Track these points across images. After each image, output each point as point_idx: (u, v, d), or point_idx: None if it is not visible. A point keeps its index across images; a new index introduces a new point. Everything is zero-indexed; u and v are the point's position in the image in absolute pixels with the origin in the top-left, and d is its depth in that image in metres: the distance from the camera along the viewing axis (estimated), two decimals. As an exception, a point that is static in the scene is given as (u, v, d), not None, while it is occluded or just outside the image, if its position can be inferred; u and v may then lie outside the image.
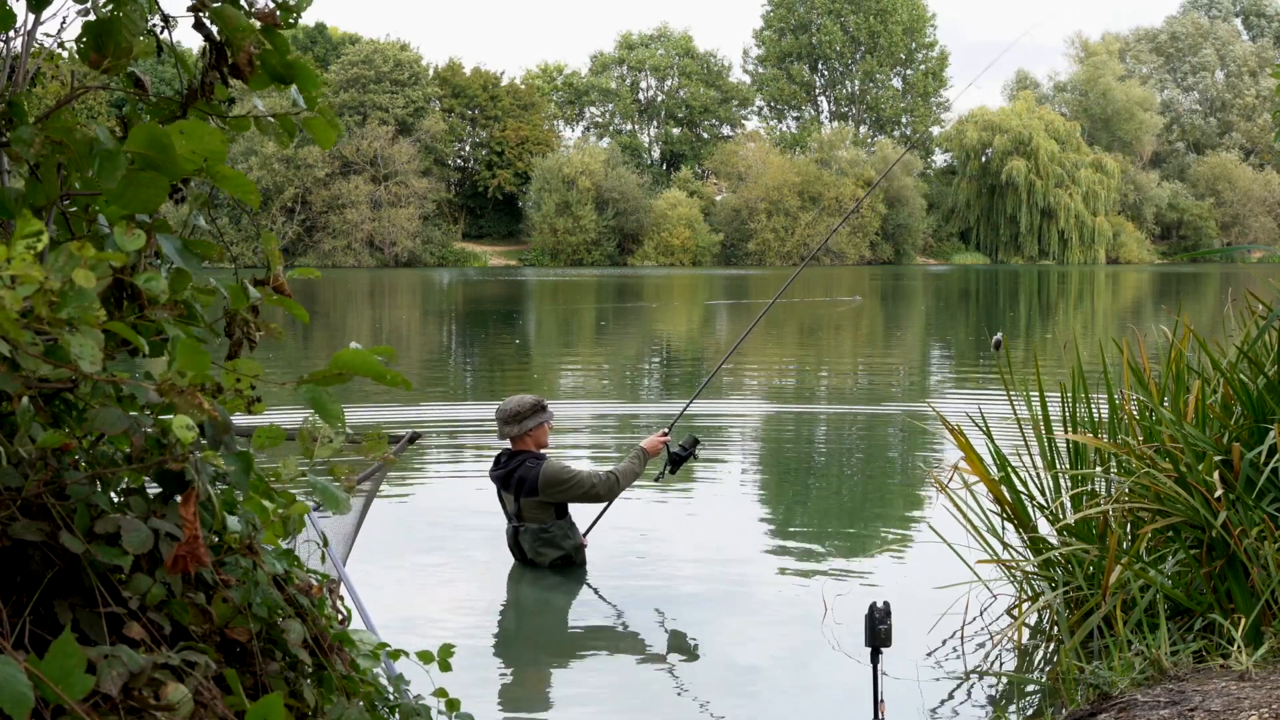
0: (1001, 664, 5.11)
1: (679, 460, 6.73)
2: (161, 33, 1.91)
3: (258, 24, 1.87)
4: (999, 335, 6.99)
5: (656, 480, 6.96)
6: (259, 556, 1.87)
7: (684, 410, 7.48)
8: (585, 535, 6.66)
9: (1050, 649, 5.15)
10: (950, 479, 5.76)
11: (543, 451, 6.61)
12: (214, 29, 1.86)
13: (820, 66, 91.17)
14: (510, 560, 6.65)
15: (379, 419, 12.06)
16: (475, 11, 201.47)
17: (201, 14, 1.85)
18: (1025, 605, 5.33)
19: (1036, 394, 5.74)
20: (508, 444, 6.60)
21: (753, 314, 31.10)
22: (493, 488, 6.72)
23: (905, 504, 8.70)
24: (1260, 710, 3.46)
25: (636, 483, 6.84)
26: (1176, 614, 4.76)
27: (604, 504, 6.68)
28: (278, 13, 1.88)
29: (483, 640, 5.66)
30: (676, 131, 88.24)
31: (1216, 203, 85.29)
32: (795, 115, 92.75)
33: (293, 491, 1.98)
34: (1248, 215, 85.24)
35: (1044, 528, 5.58)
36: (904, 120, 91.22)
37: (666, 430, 6.87)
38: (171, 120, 1.94)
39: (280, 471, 1.89)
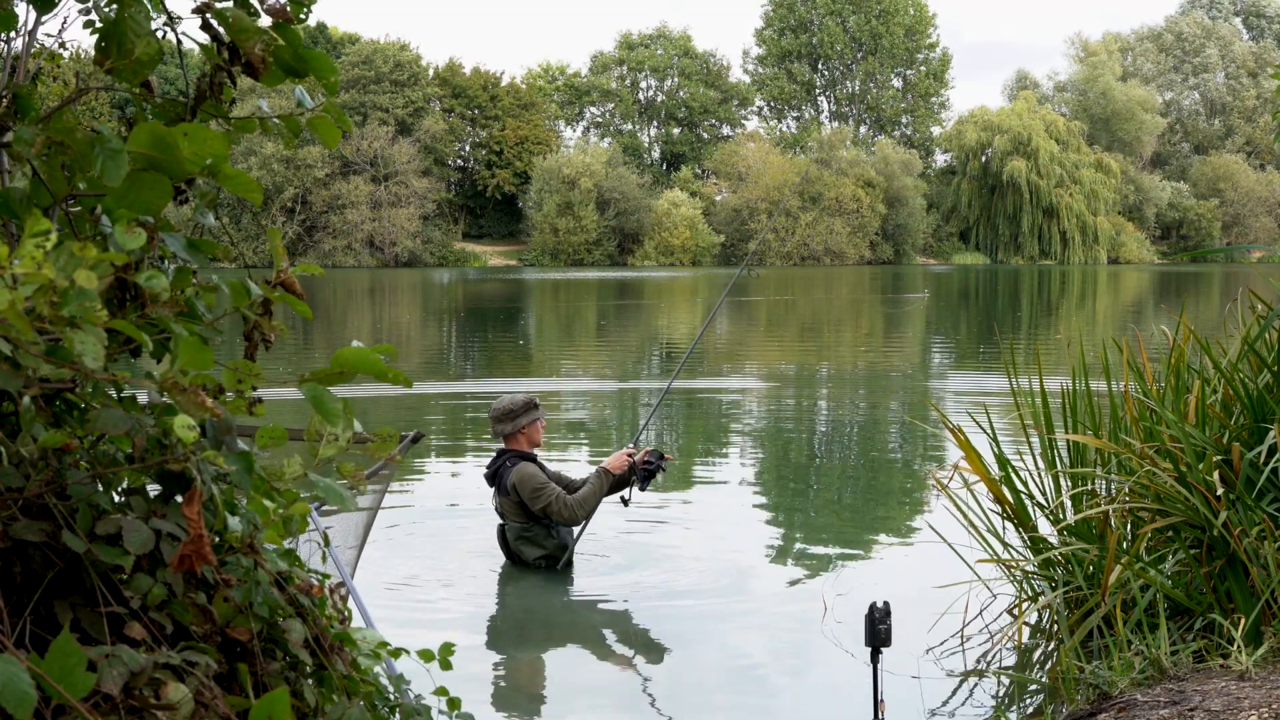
0: (1001, 664, 5.11)
1: (648, 474, 6.47)
2: (164, 36, 1.90)
3: (268, 20, 1.86)
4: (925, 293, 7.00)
5: (625, 504, 6.59)
6: (260, 556, 1.86)
7: (646, 424, 7.48)
8: (575, 540, 6.48)
9: (1050, 649, 5.15)
10: (950, 479, 5.76)
11: (535, 452, 6.58)
12: (221, 30, 1.85)
13: (821, 66, 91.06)
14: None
15: (381, 398, 12.08)
16: (475, 11, 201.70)
17: (207, 15, 1.84)
18: (1025, 605, 5.33)
19: (1038, 393, 5.74)
20: (501, 443, 6.58)
21: (749, 310, 31.10)
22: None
23: (906, 503, 8.70)
24: (1260, 710, 3.47)
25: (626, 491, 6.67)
26: (1176, 614, 4.76)
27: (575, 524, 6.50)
28: (288, 8, 1.87)
29: (484, 639, 5.67)
30: (676, 131, 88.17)
31: (1219, 203, 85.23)
32: (795, 115, 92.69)
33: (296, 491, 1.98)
34: (1248, 215, 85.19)
35: (1044, 527, 5.58)
36: (904, 120, 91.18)
37: (632, 446, 6.60)
38: (177, 122, 1.93)
39: (283, 470, 1.89)
